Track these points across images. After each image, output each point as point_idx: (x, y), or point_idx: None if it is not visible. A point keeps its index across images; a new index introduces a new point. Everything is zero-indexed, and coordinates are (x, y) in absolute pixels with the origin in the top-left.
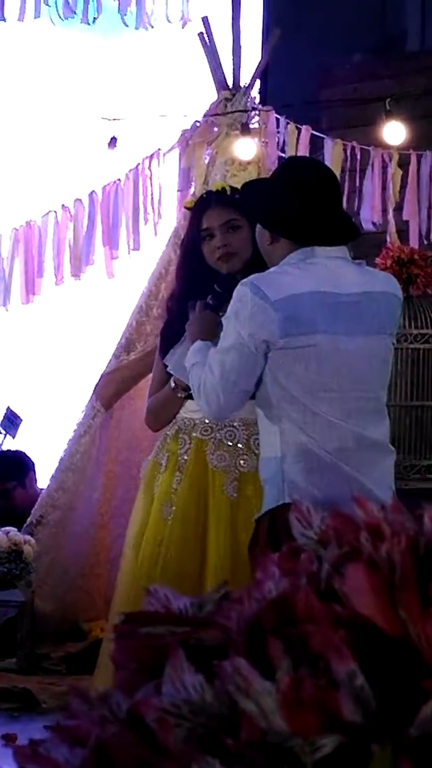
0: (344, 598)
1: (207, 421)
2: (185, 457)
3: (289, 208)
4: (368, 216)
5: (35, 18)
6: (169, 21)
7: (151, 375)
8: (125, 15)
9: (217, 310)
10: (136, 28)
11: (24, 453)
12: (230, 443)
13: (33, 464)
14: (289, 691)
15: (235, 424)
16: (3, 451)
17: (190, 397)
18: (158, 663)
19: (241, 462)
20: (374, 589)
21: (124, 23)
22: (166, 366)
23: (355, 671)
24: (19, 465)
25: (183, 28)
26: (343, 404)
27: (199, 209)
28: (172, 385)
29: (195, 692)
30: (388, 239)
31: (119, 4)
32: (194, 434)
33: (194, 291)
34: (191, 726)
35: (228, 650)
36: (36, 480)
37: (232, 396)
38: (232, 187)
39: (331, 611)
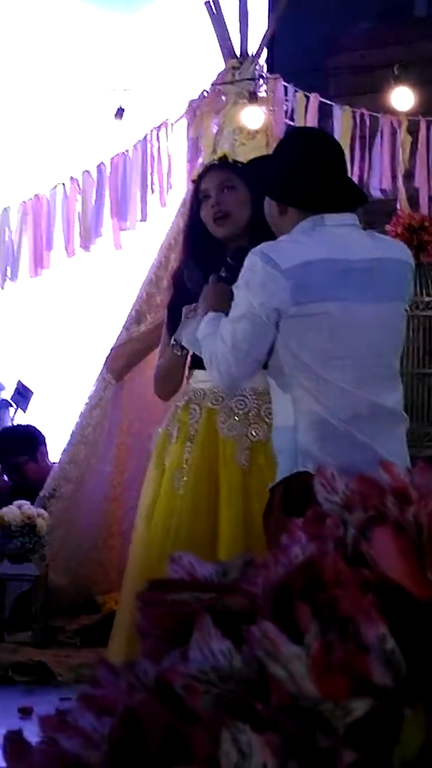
0: (371, 561)
1: (217, 390)
2: (196, 427)
3: (297, 177)
4: (378, 183)
5: None
6: None
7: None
8: None
9: (230, 283)
10: None
11: (35, 427)
12: (241, 412)
13: (44, 438)
14: (319, 656)
15: (246, 393)
16: (14, 426)
17: (188, 353)
18: (184, 630)
19: (252, 431)
20: (402, 551)
21: None
22: (176, 343)
23: (385, 635)
24: (30, 439)
25: None
26: (356, 372)
27: (199, 177)
28: (172, 342)
29: (223, 658)
30: (398, 206)
31: None
32: (205, 404)
33: (200, 263)
34: (220, 692)
35: (255, 616)
36: (47, 454)
37: (244, 365)
38: (234, 159)
39: (359, 575)
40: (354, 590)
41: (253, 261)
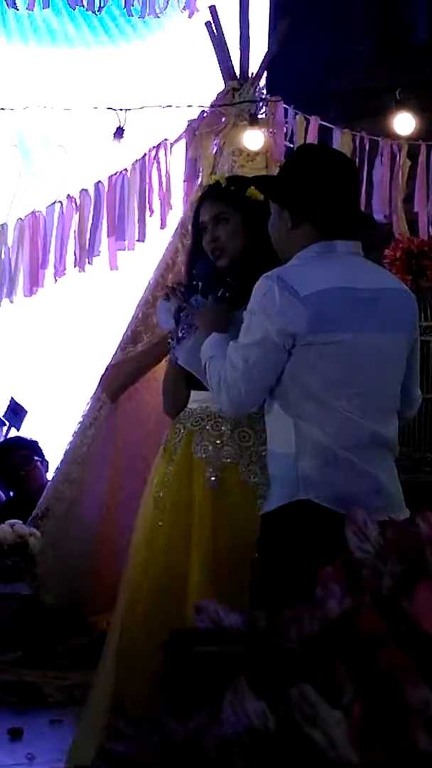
0: (413, 618)
1: (200, 411)
2: (176, 448)
3: (319, 192)
4: (378, 207)
5: (43, 8)
6: (180, 11)
7: (157, 366)
8: (131, 6)
9: (230, 303)
10: (141, 17)
11: (35, 441)
12: (215, 433)
13: (43, 454)
14: (360, 721)
15: (224, 415)
16: (14, 438)
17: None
18: (213, 685)
19: (224, 453)
20: None
21: (129, 13)
22: (177, 359)
23: (429, 698)
24: (32, 451)
25: (190, 17)
26: (362, 401)
27: (198, 203)
28: (174, 358)
29: (257, 719)
30: (395, 230)
31: None
32: (187, 425)
33: (204, 288)
34: (253, 755)
35: (288, 672)
36: (47, 469)
37: (254, 392)
38: (229, 179)
39: (398, 632)
40: (394, 649)
41: (267, 286)
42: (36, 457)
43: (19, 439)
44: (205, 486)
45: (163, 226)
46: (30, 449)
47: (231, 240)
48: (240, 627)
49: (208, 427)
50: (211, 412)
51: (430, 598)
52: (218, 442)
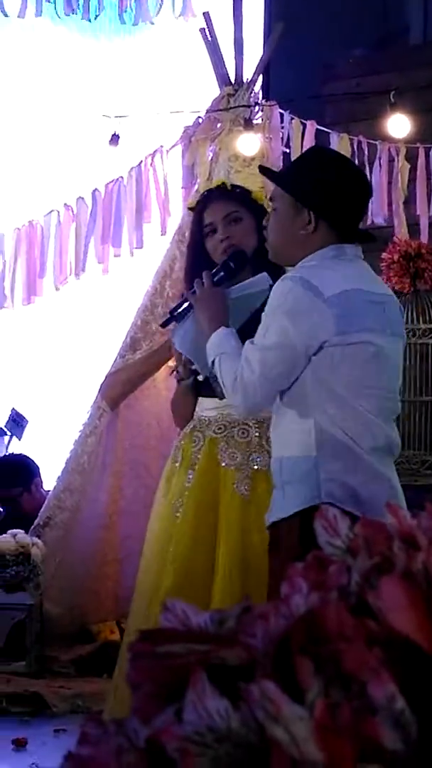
0: (379, 613)
1: (221, 419)
2: (198, 456)
3: (346, 194)
4: (377, 211)
5: (36, 16)
6: (176, 16)
7: (157, 374)
8: (124, 12)
9: (225, 285)
10: (134, 24)
11: (28, 457)
12: (243, 441)
13: (38, 468)
14: (324, 717)
15: (250, 422)
16: (7, 457)
17: (194, 382)
18: (178, 685)
19: (254, 460)
20: (412, 603)
21: (122, 20)
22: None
23: (394, 694)
24: (24, 470)
25: (185, 23)
26: (378, 402)
27: (200, 207)
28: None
29: (219, 718)
30: (397, 233)
31: (119, 1)
32: (208, 432)
33: None
34: (215, 755)
35: (253, 671)
36: (42, 484)
37: (270, 394)
38: (232, 185)
39: (365, 628)
40: (359, 645)
41: (289, 287)
42: (29, 477)
43: (5, 461)
44: (237, 492)
45: (163, 232)
46: (19, 470)
47: (245, 238)
48: (208, 626)
49: (234, 434)
50: (235, 419)
51: (395, 592)
52: (247, 448)
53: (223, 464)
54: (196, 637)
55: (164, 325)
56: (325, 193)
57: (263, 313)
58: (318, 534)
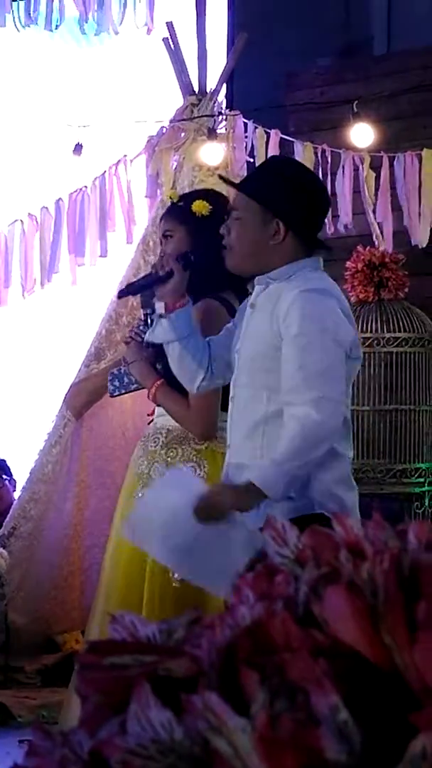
0: (324, 623)
1: (154, 423)
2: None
3: (311, 208)
4: (341, 218)
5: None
6: (137, 27)
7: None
8: (86, 22)
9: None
10: (96, 34)
11: (3, 460)
12: (150, 449)
13: (9, 470)
14: (266, 729)
15: (162, 430)
16: None
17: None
18: (124, 696)
19: (153, 469)
20: (356, 613)
21: (82, 31)
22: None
23: (337, 705)
24: (2, 466)
25: (148, 34)
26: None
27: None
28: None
29: (163, 730)
30: (375, 242)
31: (81, 12)
32: (142, 439)
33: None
34: (159, 767)
35: (198, 682)
36: (12, 490)
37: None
38: (184, 195)
39: (310, 638)
40: (304, 655)
41: (319, 300)
42: (4, 476)
43: None
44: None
45: (129, 240)
46: None
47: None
48: (156, 637)
49: (148, 442)
50: (157, 428)
51: (340, 602)
52: (152, 457)
53: (135, 471)
54: (144, 648)
55: (120, 296)
56: (294, 203)
57: (296, 332)
58: (266, 544)
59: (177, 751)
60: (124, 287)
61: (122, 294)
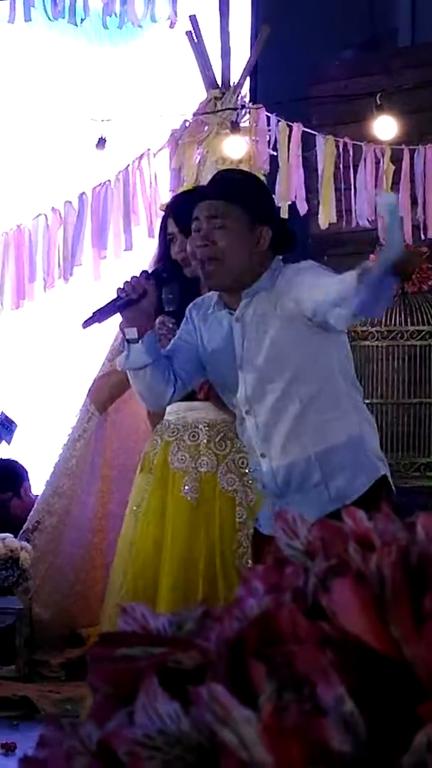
0: (331, 615)
1: (177, 422)
2: (154, 459)
3: (277, 215)
4: (363, 212)
5: (26, 21)
6: (156, 21)
7: None
8: (109, 16)
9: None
10: (119, 27)
11: (17, 462)
12: (192, 444)
13: (26, 473)
14: (272, 720)
15: (199, 425)
16: None
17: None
18: (133, 688)
19: (201, 463)
20: (363, 605)
21: (105, 26)
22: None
23: (343, 696)
24: (13, 475)
25: (171, 27)
26: None
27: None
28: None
29: (170, 721)
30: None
31: (104, 5)
32: (164, 436)
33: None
34: (166, 758)
35: (207, 674)
36: (30, 488)
37: None
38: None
39: (318, 630)
40: (311, 647)
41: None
42: (18, 481)
43: None
44: (184, 497)
45: (151, 234)
46: (7, 475)
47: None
48: (166, 629)
49: (185, 437)
50: (188, 422)
51: (347, 593)
52: (196, 452)
53: (172, 468)
54: (154, 640)
55: (85, 326)
56: (270, 208)
57: (303, 278)
58: (277, 536)
59: (184, 742)
60: (89, 316)
61: (87, 324)
